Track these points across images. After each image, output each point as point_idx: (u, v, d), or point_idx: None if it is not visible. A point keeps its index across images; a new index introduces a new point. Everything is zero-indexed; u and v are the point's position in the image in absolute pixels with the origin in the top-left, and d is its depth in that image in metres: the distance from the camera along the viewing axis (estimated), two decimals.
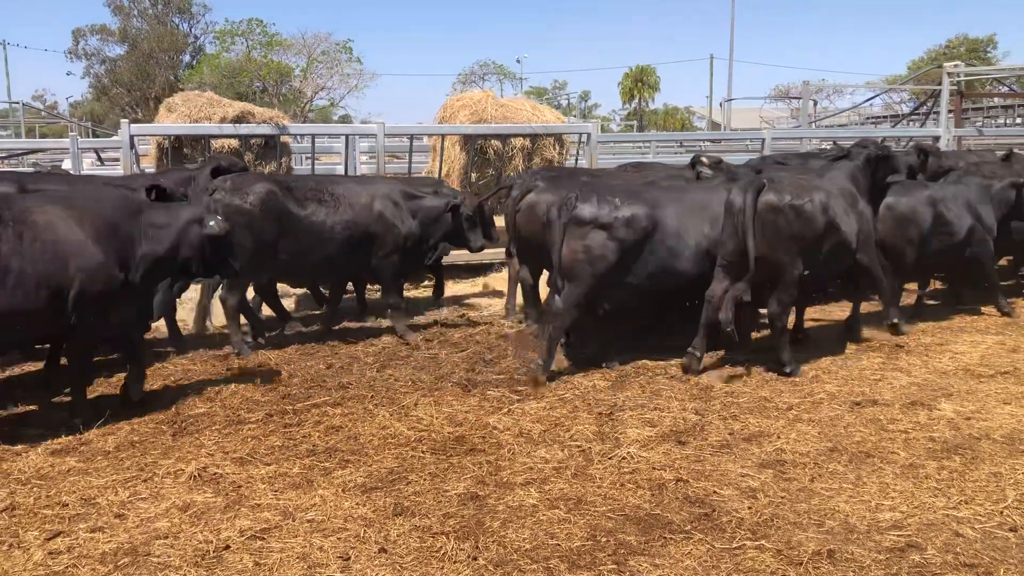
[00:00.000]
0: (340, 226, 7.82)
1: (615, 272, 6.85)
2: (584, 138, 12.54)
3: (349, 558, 4.02)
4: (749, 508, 4.50)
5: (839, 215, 6.96)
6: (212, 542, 4.16)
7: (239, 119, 10.64)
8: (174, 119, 10.78)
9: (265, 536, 4.23)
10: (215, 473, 4.98)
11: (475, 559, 4.00)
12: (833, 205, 6.93)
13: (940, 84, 18.68)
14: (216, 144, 10.55)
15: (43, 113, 47.16)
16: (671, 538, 4.19)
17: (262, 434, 5.62)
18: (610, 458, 5.18)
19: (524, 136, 11.89)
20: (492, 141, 11.85)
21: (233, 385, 6.65)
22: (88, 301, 5.55)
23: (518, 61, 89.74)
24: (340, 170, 12.81)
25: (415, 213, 8.32)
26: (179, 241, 6.11)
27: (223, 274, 6.70)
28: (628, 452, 5.23)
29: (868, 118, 33.18)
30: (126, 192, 6.94)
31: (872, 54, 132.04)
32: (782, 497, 4.65)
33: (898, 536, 4.19)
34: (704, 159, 9.38)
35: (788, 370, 6.85)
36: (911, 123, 26.00)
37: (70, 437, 5.56)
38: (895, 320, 7.63)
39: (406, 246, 8.26)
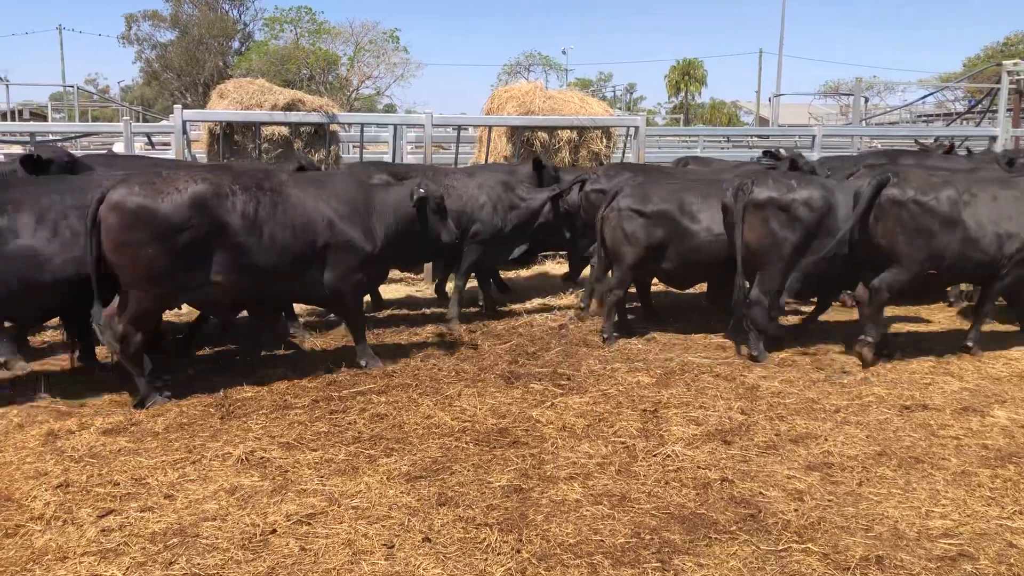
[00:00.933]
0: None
1: (798, 253, 7.16)
2: (632, 131, 12.47)
3: (393, 546, 4.05)
4: (795, 510, 4.45)
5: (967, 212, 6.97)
6: (259, 526, 4.22)
7: (289, 107, 10.73)
8: (226, 105, 10.90)
9: (311, 521, 4.28)
10: (262, 457, 5.04)
11: (518, 552, 4.01)
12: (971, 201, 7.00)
13: (998, 82, 18.26)
14: (266, 131, 10.66)
15: (95, 97, 48.01)
16: (716, 538, 4.16)
17: (308, 420, 5.68)
18: (654, 455, 5.15)
19: (571, 129, 11.84)
20: (539, 133, 11.82)
21: (280, 370, 6.74)
22: (331, 267, 6.51)
23: (564, 52, 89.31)
24: (387, 159, 12.85)
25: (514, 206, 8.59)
26: (400, 216, 6.90)
27: (446, 238, 7.26)
28: (673, 450, 5.20)
29: (920, 116, 32.54)
30: (362, 173, 7.77)
31: (926, 50, 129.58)
32: (829, 500, 4.58)
33: (949, 544, 4.11)
34: (782, 151, 9.37)
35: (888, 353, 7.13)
36: (965, 122, 25.44)
37: (121, 418, 5.67)
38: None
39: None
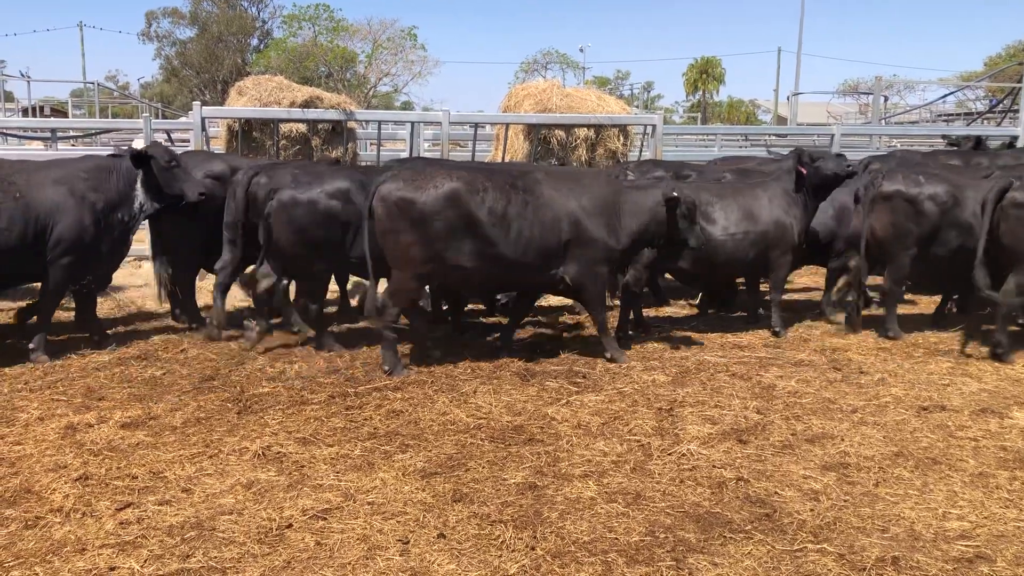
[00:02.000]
0: None
1: (923, 245, 7.63)
2: (649, 130, 12.43)
3: (408, 542, 4.07)
4: (811, 510, 4.44)
5: None
6: (275, 520, 4.24)
7: (307, 104, 10.75)
8: (244, 102, 10.94)
9: (327, 516, 4.30)
10: (278, 452, 5.07)
11: (533, 549, 4.01)
12: None
13: (1019, 81, 18.09)
14: (284, 128, 10.70)
15: (115, 94, 48.38)
16: (731, 537, 4.15)
17: (325, 415, 5.71)
18: (669, 454, 5.15)
19: (588, 127, 11.82)
20: (556, 131, 11.79)
21: (297, 365, 6.77)
22: (576, 261, 6.83)
23: (581, 50, 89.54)
24: (404, 156, 12.87)
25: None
26: (651, 217, 7.02)
27: (693, 243, 7.25)
28: (688, 449, 5.19)
29: (940, 115, 32.29)
30: (613, 173, 8.07)
31: (946, 49, 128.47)
32: (845, 501, 4.57)
33: (966, 546, 4.09)
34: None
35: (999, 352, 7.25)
36: (986, 122, 25.23)
37: (140, 412, 5.71)
38: None
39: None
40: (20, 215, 6.66)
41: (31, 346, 6.92)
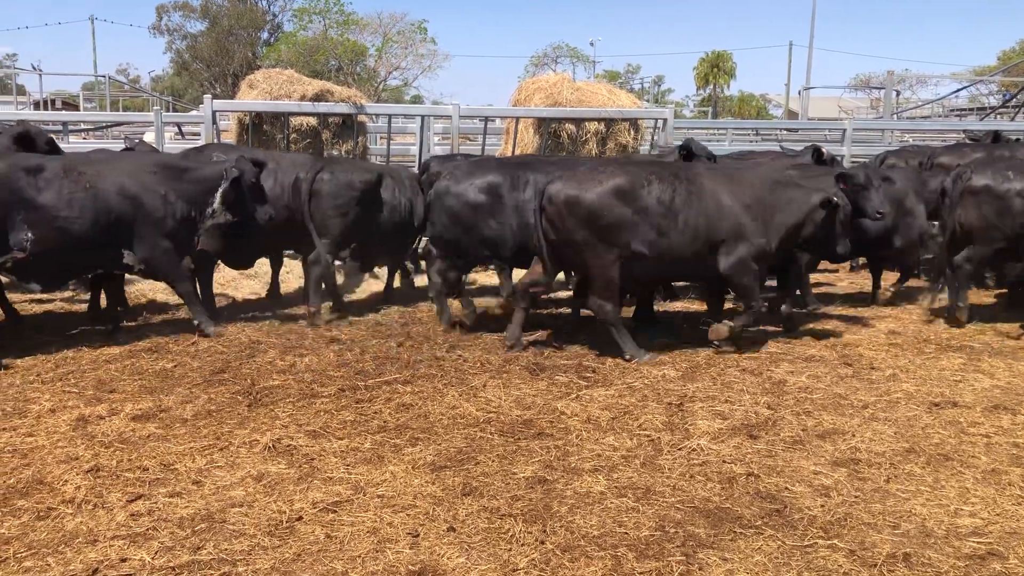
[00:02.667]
0: None
1: (1011, 239, 7.82)
2: (660, 123, 12.41)
3: (418, 535, 4.07)
4: (822, 506, 4.42)
5: None
6: (285, 512, 4.25)
7: (318, 97, 10.79)
8: (255, 96, 10.98)
9: (336, 509, 4.31)
10: (289, 445, 5.08)
11: (542, 543, 4.01)
12: None
13: None
14: (295, 122, 10.72)
15: (126, 87, 48.47)
16: (741, 533, 4.14)
17: (335, 408, 5.72)
18: (679, 449, 5.14)
19: (599, 120, 11.80)
20: (566, 125, 11.78)
21: (307, 359, 6.78)
22: (727, 254, 6.94)
23: (591, 44, 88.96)
24: (414, 150, 12.88)
25: None
26: (807, 218, 7.08)
27: (840, 250, 7.38)
28: (698, 444, 5.18)
29: (952, 110, 32.11)
30: (772, 169, 8.11)
31: (959, 44, 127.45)
32: (856, 496, 4.55)
33: (978, 543, 4.07)
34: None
35: None
36: (999, 116, 25.07)
37: (151, 404, 5.73)
38: None
39: None
40: (90, 205, 6.83)
41: (198, 323, 7.40)
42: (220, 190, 7.44)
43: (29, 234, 6.63)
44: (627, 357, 6.88)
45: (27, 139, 7.80)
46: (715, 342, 7.18)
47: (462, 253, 7.83)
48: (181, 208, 7.32)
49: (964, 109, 32.10)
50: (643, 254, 6.79)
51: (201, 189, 7.44)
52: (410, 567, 3.80)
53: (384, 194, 8.53)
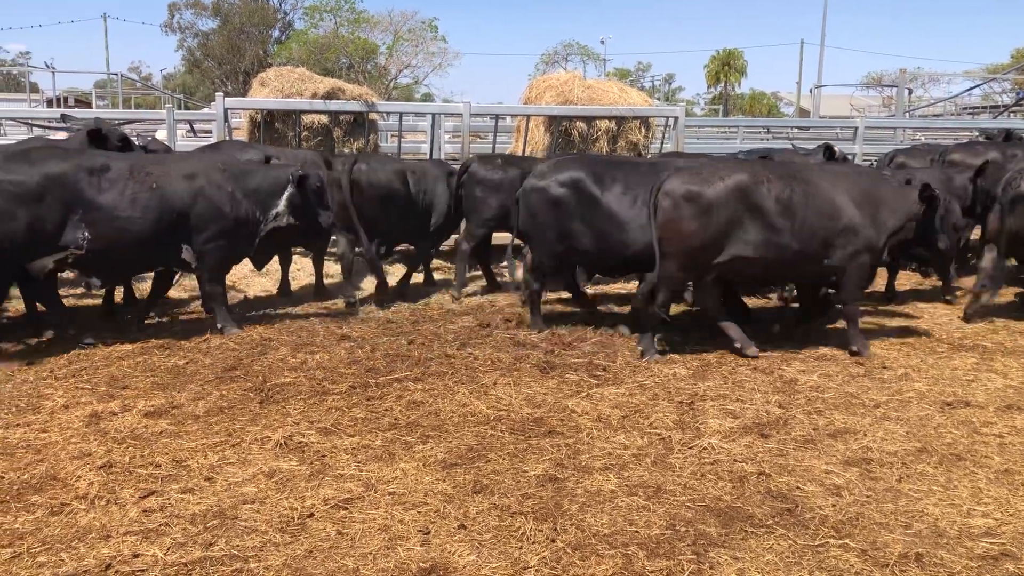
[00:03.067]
0: None
1: None
2: (671, 122, 12.39)
3: (429, 532, 4.08)
4: (833, 506, 4.41)
5: None
6: (297, 509, 4.26)
7: (330, 95, 10.81)
8: (267, 93, 11.01)
9: (348, 506, 4.32)
10: (300, 442, 5.10)
11: (553, 541, 4.01)
12: None
13: None
14: (306, 119, 10.74)
15: (138, 85, 48.65)
16: (752, 532, 4.13)
17: (346, 405, 5.73)
18: (690, 448, 5.13)
19: (610, 118, 11.79)
20: (577, 123, 11.78)
21: (318, 356, 6.80)
22: (840, 253, 6.95)
23: (602, 42, 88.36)
24: (424, 148, 12.89)
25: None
26: (906, 222, 7.11)
27: (941, 245, 7.38)
28: (709, 443, 5.18)
29: (965, 108, 31.94)
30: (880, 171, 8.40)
31: (972, 41, 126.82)
32: (868, 496, 4.53)
33: (991, 543, 4.05)
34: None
35: None
36: (1013, 115, 24.93)
37: (163, 400, 5.76)
38: None
39: None
40: (154, 204, 6.99)
41: (219, 325, 7.46)
42: (286, 193, 7.61)
43: (87, 232, 6.79)
44: (736, 346, 7.01)
45: (100, 136, 7.99)
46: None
47: (554, 253, 7.76)
48: (246, 208, 7.48)
49: (977, 107, 31.93)
50: (760, 253, 6.83)
51: (267, 191, 7.61)
52: (421, 564, 3.81)
53: (411, 189, 8.92)
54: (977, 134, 15.35)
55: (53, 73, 31.70)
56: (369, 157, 9.04)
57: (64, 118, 9.54)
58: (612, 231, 7.40)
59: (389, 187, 8.73)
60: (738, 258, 6.83)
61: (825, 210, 6.88)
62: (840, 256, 6.96)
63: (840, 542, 4.05)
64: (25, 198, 6.60)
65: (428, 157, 11.73)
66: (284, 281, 9.35)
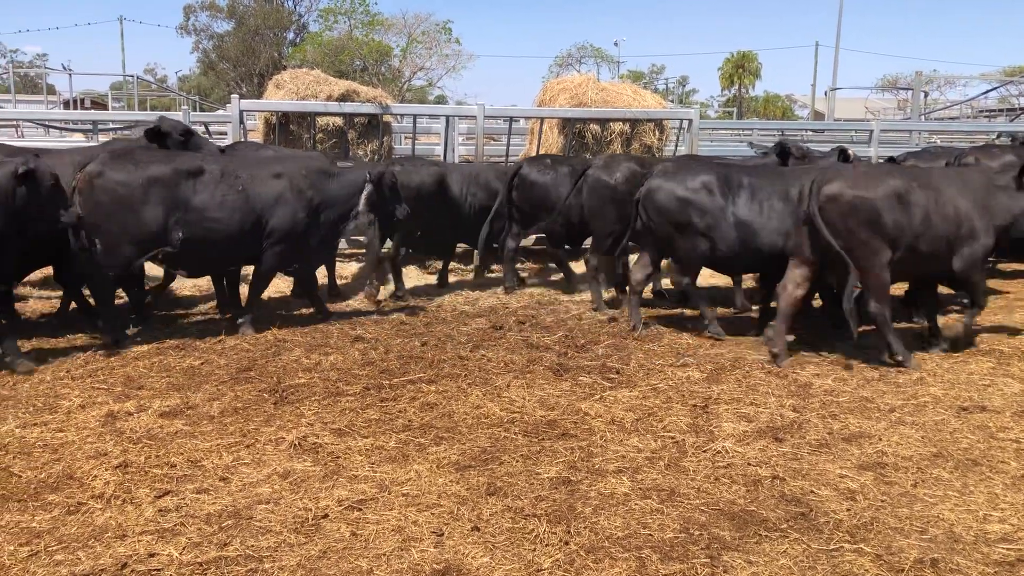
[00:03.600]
0: None
1: None
2: (685, 124, 12.36)
3: (443, 534, 4.09)
4: (848, 510, 4.39)
5: None
6: (311, 510, 4.28)
7: (344, 97, 10.85)
8: (282, 96, 11.05)
9: (362, 507, 4.33)
10: (314, 443, 5.12)
11: (567, 543, 4.01)
12: None
13: None
14: (321, 122, 10.78)
15: (154, 86, 48.93)
16: (766, 536, 4.12)
17: (360, 407, 5.75)
18: (704, 451, 5.12)
19: (624, 121, 11.78)
20: (591, 125, 11.78)
21: (332, 357, 6.82)
22: (960, 254, 7.07)
23: (616, 44, 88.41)
24: (439, 150, 12.91)
25: None
26: (1010, 219, 7.27)
27: None
28: (723, 446, 5.16)
29: (981, 111, 31.73)
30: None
31: (989, 43, 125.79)
32: (883, 501, 4.51)
33: (1008, 549, 4.02)
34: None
35: None
36: None
37: (178, 401, 5.79)
38: None
39: None
40: (241, 206, 7.34)
41: (239, 321, 7.68)
42: (364, 193, 7.95)
43: (181, 232, 7.14)
44: (898, 358, 6.90)
45: (159, 134, 8.22)
46: (942, 341, 7.44)
47: (671, 253, 7.87)
48: (325, 211, 7.83)
49: (994, 110, 31.70)
50: (905, 255, 6.89)
51: (347, 193, 7.96)
52: (434, 566, 3.81)
53: (452, 190, 9.33)
54: (996, 136, 15.23)
55: (70, 75, 31.88)
56: (404, 161, 9.40)
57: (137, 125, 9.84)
58: (743, 232, 7.47)
59: (420, 189, 9.02)
60: (896, 257, 6.89)
61: (950, 214, 7.01)
62: (964, 257, 7.10)
63: (855, 547, 4.03)
64: (130, 198, 6.95)
65: (443, 159, 11.74)
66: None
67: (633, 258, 10.73)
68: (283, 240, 7.62)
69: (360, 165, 8.46)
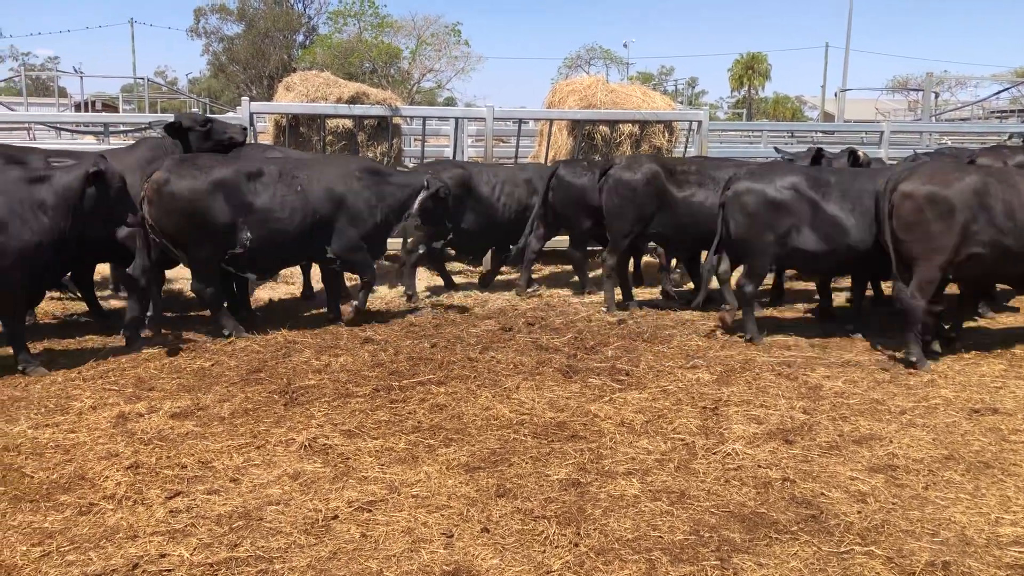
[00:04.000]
0: None
1: None
2: (695, 126, 12.35)
3: (452, 535, 4.09)
4: (859, 512, 4.38)
5: None
6: (321, 511, 4.29)
7: (354, 100, 10.87)
8: (292, 98, 11.08)
9: (371, 508, 4.34)
10: (324, 444, 5.13)
11: (576, 545, 4.01)
12: None
13: None
14: (331, 124, 10.80)
15: (164, 89, 49.11)
16: (777, 538, 4.11)
17: (369, 408, 5.76)
18: (714, 453, 5.11)
19: (633, 122, 11.77)
20: (600, 127, 11.77)
21: (342, 359, 6.84)
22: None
23: (625, 46, 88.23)
24: (448, 152, 12.93)
25: None
26: None
27: None
28: (733, 448, 5.15)
29: (993, 112, 31.60)
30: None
31: (1000, 44, 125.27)
32: (893, 503, 4.50)
33: (1020, 552, 4.00)
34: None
35: None
36: None
37: (189, 402, 5.81)
38: None
39: None
40: (300, 207, 7.57)
41: (335, 315, 8.13)
42: (420, 198, 8.20)
43: (248, 233, 7.38)
44: (911, 359, 6.89)
45: (181, 129, 8.32)
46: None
47: (759, 256, 7.79)
48: (382, 211, 8.05)
49: (1005, 111, 31.55)
50: (982, 253, 6.87)
51: (402, 195, 8.18)
52: (444, 567, 3.82)
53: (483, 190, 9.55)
54: (1007, 137, 15.16)
55: (81, 78, 32.05)
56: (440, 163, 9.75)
57: (151, 126, 9.96)
58: (833, 233, 7.50)
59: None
60: (974, 255, 6.87)
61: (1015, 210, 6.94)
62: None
63: (865, 549, 4.02)
64: (194, 202, 7.16)
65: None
66: (307, 284, 9.45)
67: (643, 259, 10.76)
68: (351, 238, 7.87)
69: (417, 170, 8.83)
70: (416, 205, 8.18)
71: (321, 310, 8.65)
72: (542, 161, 11.77)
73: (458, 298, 9.48)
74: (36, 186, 6.41)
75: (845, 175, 7.83)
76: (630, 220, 8.64)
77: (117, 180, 6.74)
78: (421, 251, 9.21)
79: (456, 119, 12.92)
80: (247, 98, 11.16)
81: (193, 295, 8.93)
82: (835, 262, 7.74)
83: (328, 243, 7.81)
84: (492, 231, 9.70)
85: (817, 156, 9.18)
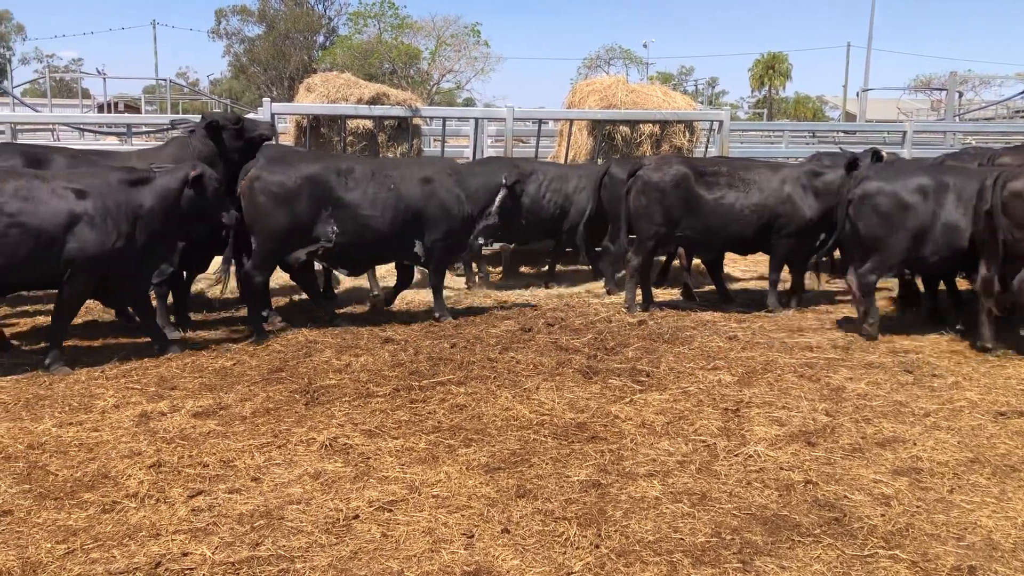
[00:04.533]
0: None
1: None
2: (715, 126, 12.29)
3: (473, 536, 4.08)
4: (882, 515, 4.33)
5: None
6: (342, 511, 4.30)
7: (374, 100, 10.88)
8: (313, 99, 11.11)
9: (392, 508, 4.34)
10: (345, 444, 5.14)
11: (597, 547, 3.99)
12: None
13: None
14: (351, 124, 10.83)
15: (186, 90, 49.48)
16: (799, 541, 4.08)
17: (390, 408, 5.77)
18: (736, 455, 5.08)
19: (654, 122, 11.72)
20: (620, 127, 11.72)
21: (363, 359, 6.85)
22: None
23: (644, 46, 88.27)
24: (467, 152, 12.93)
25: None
26: None
27: None
28: (755, 450, 5.12)
29: (1017, 111, 31.24)
30: None
31: None
32: (918, 507, 4.45)
33: None
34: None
35: None
36: None
37: (211, 401, 5.84)
38: None
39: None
40: (392, 204, 7.83)
41: (436, 315, 8.30)
42: (500, 196, 8.42)
43: (335, 227, 7.64)
44: (987, 345, 7.20)
45: (217, 128, 8.30)
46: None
47: (888, 256, 7.80)
48: (468, 209, 8.29)
49: None
50: None
51: (485, 194, 8.42)
52: (465, 568, 3.81)
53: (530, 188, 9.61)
54: None
55: (104, 79, 32.35)
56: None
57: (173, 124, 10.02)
58: (950, 232, 7.53)
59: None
60: None
61: None
62: None
63: (890, 553, 3.98)
64: (286, 197, 7.45)
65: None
66: (327, 284, 9.48)
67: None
68: (445, 235, 8.12)
69: (501, 170, 8.83)
70: (496, 202, 8.38)
71: (342, 309, 8.68)
72: (561, 161, 11.75)
73: (477, 298, 9.47)
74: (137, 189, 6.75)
75: (965, 175, 7.82)
76: (657, 222, 8.62)
77: (214, 182, 7.03)
78: (481, 242, 9.24)
79: (476, 120, 12.91)
80: (268, 99, 11.21)
81: (214, 296, 9.01)
82: (952, 263, 7.80)
83: (420, 239, 8.05)
84: (538, 227, 9.90)
85: (876, 156, 9.10)
